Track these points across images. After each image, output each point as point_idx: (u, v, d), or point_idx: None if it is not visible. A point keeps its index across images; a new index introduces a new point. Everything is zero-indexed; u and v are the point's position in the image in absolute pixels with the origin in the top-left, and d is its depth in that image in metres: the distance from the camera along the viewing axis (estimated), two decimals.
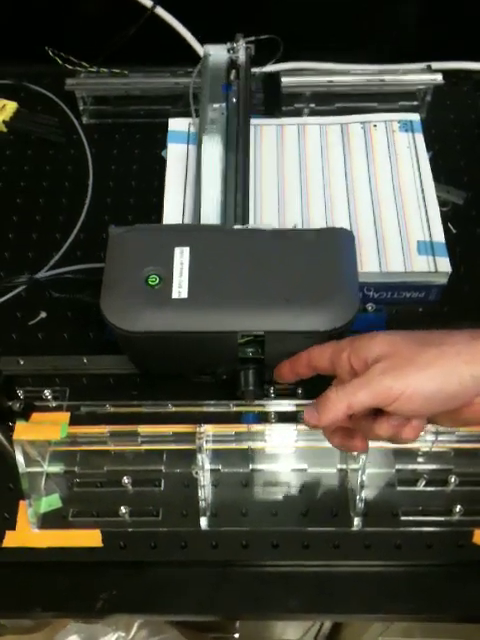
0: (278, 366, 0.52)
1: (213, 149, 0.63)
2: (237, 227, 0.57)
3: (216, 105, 0.68)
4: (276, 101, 0.75)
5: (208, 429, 0.50)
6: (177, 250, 0.50)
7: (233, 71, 0.71)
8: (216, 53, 0.73)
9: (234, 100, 0.69)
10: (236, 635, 0.91)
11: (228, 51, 0.73)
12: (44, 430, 0.49)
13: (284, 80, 0.76)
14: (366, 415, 0.45)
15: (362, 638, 0.83)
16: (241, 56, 0.72)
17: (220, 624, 0.88)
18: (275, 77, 0.76)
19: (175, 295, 0.48)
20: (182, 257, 0.50)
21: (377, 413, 0.44)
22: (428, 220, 0.64)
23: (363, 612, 0.51)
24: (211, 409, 0.52)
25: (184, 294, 0.48)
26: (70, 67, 0.75)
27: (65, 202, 0.71)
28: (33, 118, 0.76)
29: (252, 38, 0.73)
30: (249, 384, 0.53)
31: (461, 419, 0.44)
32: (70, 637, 0.80)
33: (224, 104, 0.68)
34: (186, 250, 0.50)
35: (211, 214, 0.60)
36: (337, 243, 0.52)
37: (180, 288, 0.49)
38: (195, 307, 0.48)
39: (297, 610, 0.51)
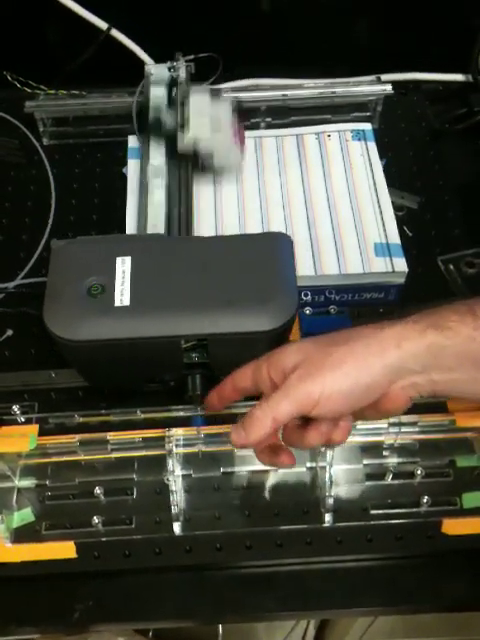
0: (206, 398, 0.52)
1: (157, 163, 0.65)
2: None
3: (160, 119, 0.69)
4: None
5: (177, 433, 0.50)
6: (119, 259, 0.51)
7: (174, 89, 0.73)
8: (157, 72, 0.75)
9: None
10: None
11: (169, 70, 0.75)
12: (12, 442, 0.49)
13: (241, 96, 0.78)
14: (295, 426, 0.45)
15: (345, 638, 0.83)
16: (181, 74, 0.74)
17: (203, 636, 0.87)
18: (216, 93, 0.77)
19: (117, 303, 0.49)
20: (124, 266, 0.51)
21: (305, 423, 0.45)
22: (384, 223, 0.66)
23: (338, 607, 0.52)
24: (180, 414, 0.53)
25: (126, 301, 0.49)
26: (29, 90, 0.76)
27: (28, 221, 0.71)
28: None
29: (191, 57, 0.75)
30: (197, 389, 0.54)
31: (382, 410, 0.45)
32: None
33: (166, 120, 0.69)
34: (128, 259, 0.51)
35: (157, 226, 0.61)
36: (275, 247, 0.54)
37: (122, 296, 0.49)
38: (137, 313, 0.49)
39: (275, 609, 0.51)
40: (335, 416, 0.44)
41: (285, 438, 0.47)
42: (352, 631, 0.77)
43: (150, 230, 0.61)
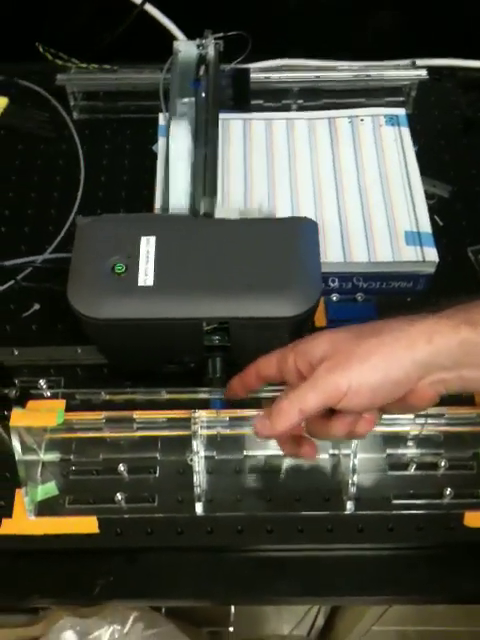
0: (228, 384, 0.52)
1: (181, 141, 0.64)
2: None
3: (185, 100, 0.68)
4: (244, 96, 0.77)
5: (203, 415, 0.50)
6: (143, 239, 0.51)
7: (202, 67, 0.72)
8: (186, 50, 0.73)
9: (203, 95, 0.69)
10: (231, 628, 0.91)
11: (198, 47, 0.73)
12: (40, 417, 0.49)
13: (273, 76, 0.77)
14: (318, 417, 0.45)
15: (355, 628, 0.84)
16: (210, 52, 0.73)
17: (215, 617, 0.88)
18: (244, 73, 0.77)
19: (141, 283, 0.49)
20: (148, 246, 0.51)
21: (329, 413, 0.44)
22: (415, 211, 0.65)
23: (357, 594, 0.52)
24: (205, 396, 0.53)
25: (150, 282, 0.49)
26: (60, 63, 0.75)
27: (57, 196, 0.71)
28: (24, 114, 0.76)
29: (221, 34, 0.74)
30: (217, 371, 0.54)
31: (408, 405, 0.44)
32: (65, 631, 0.80)
33: (193, 99, 0.68)
34: (152, 239, 0.51)
35: (180, 204, 0.60)
36: (301, 232, 0.53)
37: (146, 276, 0.49)
38: (161, 294, 0.49)
39: (292, 594, 0.52)
40: (362, 409, 0.44)
41: (308, 428, 0.46)
42: (363, 619, 0.77)
43: (173, 208, 0.61)
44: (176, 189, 0.60)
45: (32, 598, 0.50)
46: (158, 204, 0.63)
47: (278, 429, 0.43)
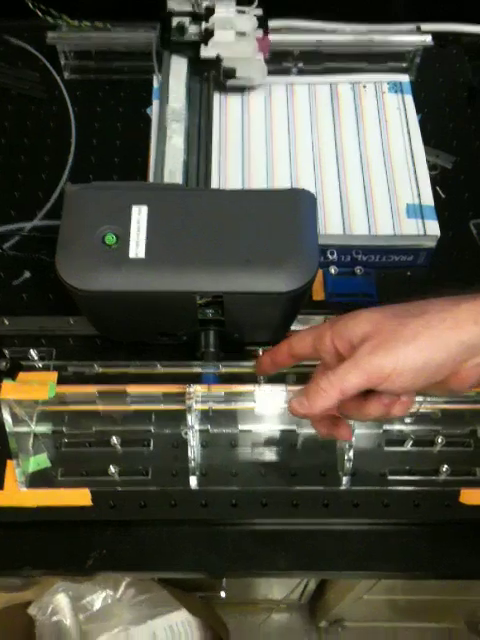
0: (258, 360, 0.51)
1: (177, 105, 0.62)
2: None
3: (180, 60, 0.66)
4: None
5: (198, 389, 0.49)
6: (135, 208, 0.49)
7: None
8: (180, 7, 0.71)
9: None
10: (222, 594, 0.92)
11: (192, 6, 0.71)
12: (31, 390, 0.48)
13: (273, 38, 0.75)
14: (354, 397, 0.43)
15: (346, 596, 0.85)
16: (203, 10, 0.70)
17: (206, 583, 0.89)
18: None
19: (132, 255, 0.47)
20: (140, 216, 0.49)
21: (364, 394, 0.43)
22: (417, 183, 0.63)
23: (350, 569, 0.52)
24: (199, 370, 0.52)
25: (141, 254, 0.47)
26: (51, 21, 0.72)
27: (48, 160, 0.69)
28: (14, 73, 0.74)
29: None
30: (210, 345, 0.52)
31: (448, 388, 0.43)
32: (58, 595, 0.80)
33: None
34: (144, 209, 0.49)
35: (174, 173, 0.59)
36: (298, 204, 0.51)
37: (137, 247, 0.48)
38: (152, 267, 0.47)
39: (285, 568, 0.51)
40: (402, 392, 0.43)
41: (341, 408, 0.45)
42: (355, 589, 0.78)
43: (167, 177, 0.59)
44: (170, 157, 0.58)
45: (24, 570, 0.50)
46: (152, 173, 0.61)
47: (316, 409, 0.42)
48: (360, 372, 0.41)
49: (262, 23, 0.70)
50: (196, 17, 0.70)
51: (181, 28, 0.67)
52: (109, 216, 0.49)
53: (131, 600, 0.79)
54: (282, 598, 1.01)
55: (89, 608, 0.78)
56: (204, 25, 0.69)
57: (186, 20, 0.69)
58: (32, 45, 0.76)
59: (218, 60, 0.67)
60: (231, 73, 0.67)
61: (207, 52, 0.67)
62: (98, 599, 0.79)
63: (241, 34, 0.67)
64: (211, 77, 0.68)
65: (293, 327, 0.57)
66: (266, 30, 0.70)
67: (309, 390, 0.43)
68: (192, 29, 0.69)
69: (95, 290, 0.47)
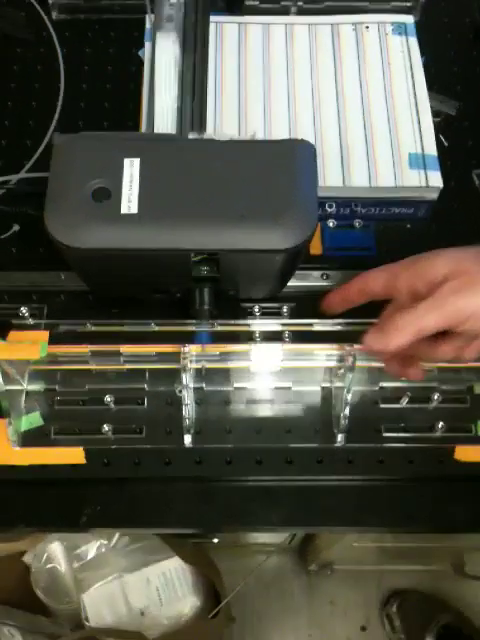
0: (326, 297, 0.51)
1: (168, 49, 0.59)
2: (192, 137, 0.54)
3: (172, 0, 0.62)
4: None
5: (192, 349, 0.49)
6: (127, 161, 0.47)
7: None
8: None
9: None
10: (215, 540, 0.94)
11: None
12: (22, 349, 0.47)
13: None
14: (428, 337, 0.43)
15: (337, 543, 0.86)
16: None
17: None
18: None
19: (124, 210, 0.45)
20: (132, 169, 0.47)
21: (439, 335, 0.43)
22: (421, 131, 0.61)
23: (344, 525, 0.53)
24: (194, 328, 0.51)
25: (134, 209, 0.45)
26: None
27: (35, 105, 0.66)
28: None
29: None
30: (204, 303, 0.51)
31: None
32: (52, 544, 0.82)
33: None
34: (137, 161, 0.47)
35: (166, 122, 0.56)
36: (296, 156, 0.49)
37: (130, 202, 0.46)
38: (145, 223, 0.45)
39: (279, 523, 0.52)
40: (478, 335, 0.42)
41: (413, 347, 0.44)
42: (345, 536, 0.80)
43: (159, 125, 0.56)
44: (162, 107, 0.56)
45: (18, 527, 0.50)
46: (144, 123, 0.58)
47: (391, 346, 0.43)
48: (440, 312, 0.41)
49: None
50: None
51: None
52: (100, 169, 0.47)
53: (125, 548, 0.81)
54: (273, 542, 1.03)
55: (83, 557, 0.80)
56: None
57: None
58: None
59: None
60: None
61: None
62: (92, 548, 0.80)
63: None
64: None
65: (291, 283, 0.56)
66: None
67: (385, 327, 0.43)
68: None
69: (85, 247, 0.45)
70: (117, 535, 0.83)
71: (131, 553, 0.83)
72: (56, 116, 0.65)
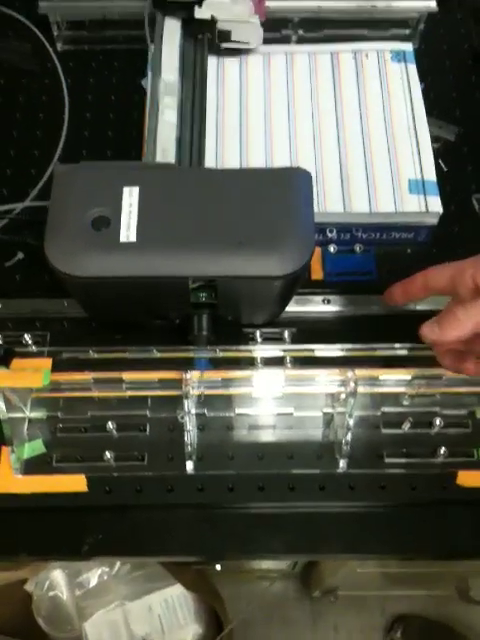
0: (388, 290, 0.52)
1: (169, 78, 0.60)
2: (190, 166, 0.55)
3: (173, 24, 0.63)
4: None
5: (194, 376, 0.49)
6: (126, 190, 0.48)
7: None
8: None
9: None
10: (217, 567, 0.93)
11: None
12: (26, 377, 0.47)
13: (271, 5, 0.72)
14: (476, 335, 0.44)
15: (340, 569, 0.86)
16: None
17: None
18: None
19: (123, 238, 0.46)
20: (131, 197, 0.47)
21: None
22: (420, 157, 0.61)
23: (347, 552, 0.52)
24: (199, 355, 0.51)
25: (132, 237, 0.46)
26: None
27: (40, 135, 0.67)
28: (4, 45, 0.71)
29: None
30: (202, 329, 0.51)
31: None
32: (54, 571, 0.81)
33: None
34: (136, 190, 0.48)
35: (166, 150, 0.57)
36: (294, 183, 0.50)
37: (128, 231, 0.46)
38: (144, 251, 0.46)
39: (282, 551, 0.52)
40: None
41: (469, 342, 0.45)
42: (348, 562, 0.79)
43: (159, 155, 0.57)
44: (162, 133, 0.56)
45: (20, 556, 0.50)
46: (146, 152, 0.59)
47: (446, 337, 0.43)
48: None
49: None
50: None
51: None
52: (99, 198, 0.48)
53: (127, 576, 0.80)
54: (276, 568, 1.02)
55: (85, 585, 0.79)
56: None
57: None
58: (23, 15, 0.73)
59: (213, 22, 0.64)
60: (226, 36, 0.65)
61: (201, 13, 0.64)
62: (94, 575, 0.80)
63: None
64: (205, 40, 0.65)
65: (292, 308, 0.56)
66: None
67: (443, 318, 0.44)
68: None
69: (84, 276, 0.46)
70: (119, 562, 0.83)
71: (133, 580, 0.82)
72: (60, 145, 0.66)
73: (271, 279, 0.47)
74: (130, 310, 0.53)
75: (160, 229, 0.46)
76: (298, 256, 0.47)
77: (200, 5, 0.63)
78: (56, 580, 0.78)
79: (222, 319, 0.53)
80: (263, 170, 0.53)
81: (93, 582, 0.80)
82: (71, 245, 0.46)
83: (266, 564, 1.04)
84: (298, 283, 0.50)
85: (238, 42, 0.65)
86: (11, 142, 0.67)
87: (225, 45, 0.66)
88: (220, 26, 0.64)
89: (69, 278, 0.46)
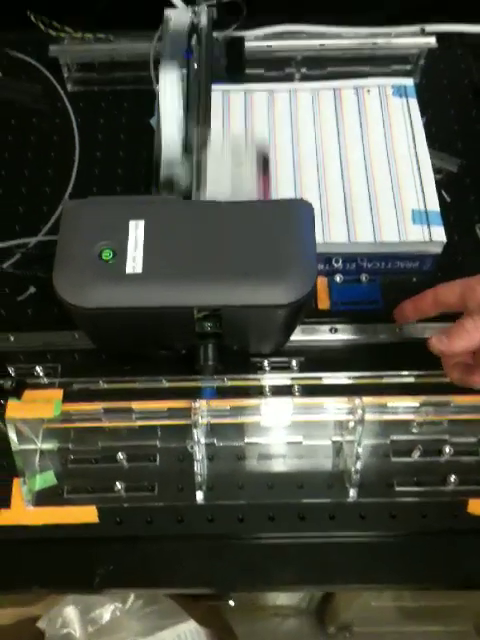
0: (399, 306, 0.53)
1: (173, 116, 0.62)
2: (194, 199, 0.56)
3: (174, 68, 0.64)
4: (239, 65, 0.74)
5: (203, 405, 0.49)
6: (132, 223, 0.49)
7: (194, 36, 0.68)
8: (177, 17, 0.70)
9: (195, 66, 0.66)
10: (231, 602, 0.92)
11: (189, 15, 0.70)
12: (37, 408, 0.48)
13: (274, 44, 0.74)
14: None
15: (354, 603, 0.84)
16: (203, 19, 0.69)
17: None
18: (238, 41, 0.73)
19: (129, 270, 0.47)
20: (137, 230, 0.49)
21: None
22: (423, 188, 0.63)
23: (359, 582, 0.52)
24: (213, 384, 0.52)
25: (138, 269, 0.47)
26: (53, 33, 0.72)
27: (51, 173, 0.69)
28: (16, 86, 0.74)
29: (214, 1, 0.71)
30: (209, 359, 0.52)
31: None
32: (67, 608, 0.80)
33: (184, 70, 0.65)
34: (141, 223, 0.49)
35: (170, 184, 0.58)
36: (296, 214, 0.51)
37: (134, 262, 0.47)
38: (149, 282, 0.47)
39: (293, 582, 0.51)
40: None
41: (477, 355, 0.46)
42: (363, 596, 0.78)
43: (163, 186, 0.58)
44: (165, 168, 0.58)
45: (32, 589, 0.50)
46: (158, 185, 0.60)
47: (454, 347, 0.44)
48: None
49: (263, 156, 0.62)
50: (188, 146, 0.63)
51: (169, 181, 0.61)
52: (106, 231, 0.49)
53: (139, 612, 0.79)
54: (290, 604, 1.01)
55: (98, 621, 0.78)
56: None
57: (175, 161, 0.61)
58: (34, 58, 0.76)
59: None
60: None
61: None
62: (107, 611, 0.79)
63: (238, 177, 0.59)
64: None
65: (300, 337, 0.57)
66: (267, 168, 0.62)
67: (452, 330, 0.45)
68: (182, 175, 0.61)
69: (91, 307, 0.46)
70: (132, 597, 0.82)
71: (146, 616, 0.81)
72: (71, 182, 0.68)
73: (276, 308, 0.47)
74: (137, 341, 0.54)
75: (165, 260, 0.47)
76: (301, 285, 0.47)
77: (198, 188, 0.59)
78: (69, 617, 0.77)
79: (228, 349, 0.54)
80: (266, 202, 0.54)
81: (106, 618, 0.79)
82: (78, 277, 0.47)
83: (280, 600, 1.02)
84: (302, 312, 0.51)
85: None
86: (23, 180, 0.69)
87: None
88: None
89: (76, 309, 0.47)
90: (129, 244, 0.48)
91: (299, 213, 0.50)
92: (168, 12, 0.70)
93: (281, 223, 0.49)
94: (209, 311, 0.48)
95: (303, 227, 0.50)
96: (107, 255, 0.47)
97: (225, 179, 0.57)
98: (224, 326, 0.50)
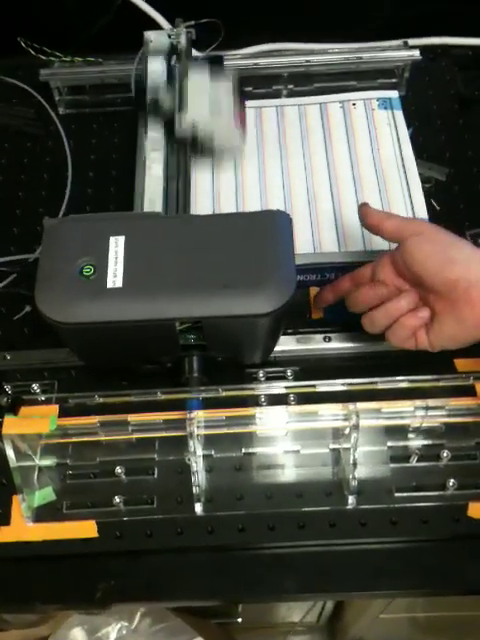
0: (318, 293, 0.57)
1: (156, 136, 0.63)
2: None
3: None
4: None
5: (199, 415, 0.49)
6: (112, 239, 0.49)
7: (174, 56, 0.69)
8: (157, 39, 0.71)
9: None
10: (239, 620, 0.91)
11: (169, 37, 0.71)
12: (33, 424, 0.48)
13: (261, 62, 0.76)
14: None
15: (363, 616, 0.84)
16: (182, 41, 0.71)
17: (222, 609, 0.88)
18: (217, 60, 0.74)
19: (110, 285, 0.47)
20: (117, 246, 0.49)
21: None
22: (411, 197, 0.64)
23: (361, 590, 0.52)
24: (200, 395, 0.52)
25: (119, 283, 0.47)
26: (44, 57, 0.73)
27: (45, 194, 0.70)
28: (9, 111, 0.75)
29: (192, 22, 0.72)
30: (193, 371, 0.53)
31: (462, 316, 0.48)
32: (73, 629, 0.80)
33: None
34: (121, 239, 0.49)
35: (154, 201, 0.60)
36: (273, 225, 0.51)
37: (115, 277, 0.48)
38: (130, 296, 0.47)
39: (295, 591, 0.51)
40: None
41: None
42: (371, 608, 0.77)
43: (147, 206, 0.59)
44: (149, 186, 0.59)
45: (34, 605, 0.50)
46: (135, 203, 0.62)
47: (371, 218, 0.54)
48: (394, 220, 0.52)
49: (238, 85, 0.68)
50: (171, 77, 0.68)
51: (155, 103, 0.65)
52: (87, 248, 0.49)
53: (147, 630, 0.78)
54: (299, 620, 1.00)
55: None
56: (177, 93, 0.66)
57: (160, 86, 0.67)
58: (26, 82, 0.77)
59: (194, 138, 0.65)
60: (207, 142, 0.65)
61: (182, 133, 0.65)
62: (114, 631, 0.78)
63: (216, 103, 0.65)
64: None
65: (294, 346, 0.58)
66: (243, 99, 0.68)
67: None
68: (166, 100, 0.67)
69: (73, 322, 0.47)
70: (138, 616, 0.81)
71: (153, 635, 0.80)
72: (64, 203, 0.69)
73: (256, 317, 0.48)
74: (122, 355, 0.54)
75: (145, 274, 0.48)
76: (281, 294, 0.48)
77: (180, 111, 0.64)
78: (75, 638, 0.77)
79: (214, 360, 0.54)
80: (243, 214, 0.55)
81: (112, 637, 0.78)
82: (59, 294, 0.47)
83: (289, 616, 1.01)
84: (283, 321, 0.51)
85: (220, 149, 0.67)
86: (18, 202, 0.70)
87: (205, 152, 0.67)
88: (201, 134, 0.65)
89: (59, 326, 0.47)
90: (110, 259, 0.48)
91: (277, 223, 0.51)
92: (148, 34, 0.71)
93: (259, 234, 0.50)
94: (191, 323, 0.49)
95: (281, 237, 0.50)
96: (88, 271, 0.48)
97: (204, 103, 0.62)
98: (207, 337, 0.50)
